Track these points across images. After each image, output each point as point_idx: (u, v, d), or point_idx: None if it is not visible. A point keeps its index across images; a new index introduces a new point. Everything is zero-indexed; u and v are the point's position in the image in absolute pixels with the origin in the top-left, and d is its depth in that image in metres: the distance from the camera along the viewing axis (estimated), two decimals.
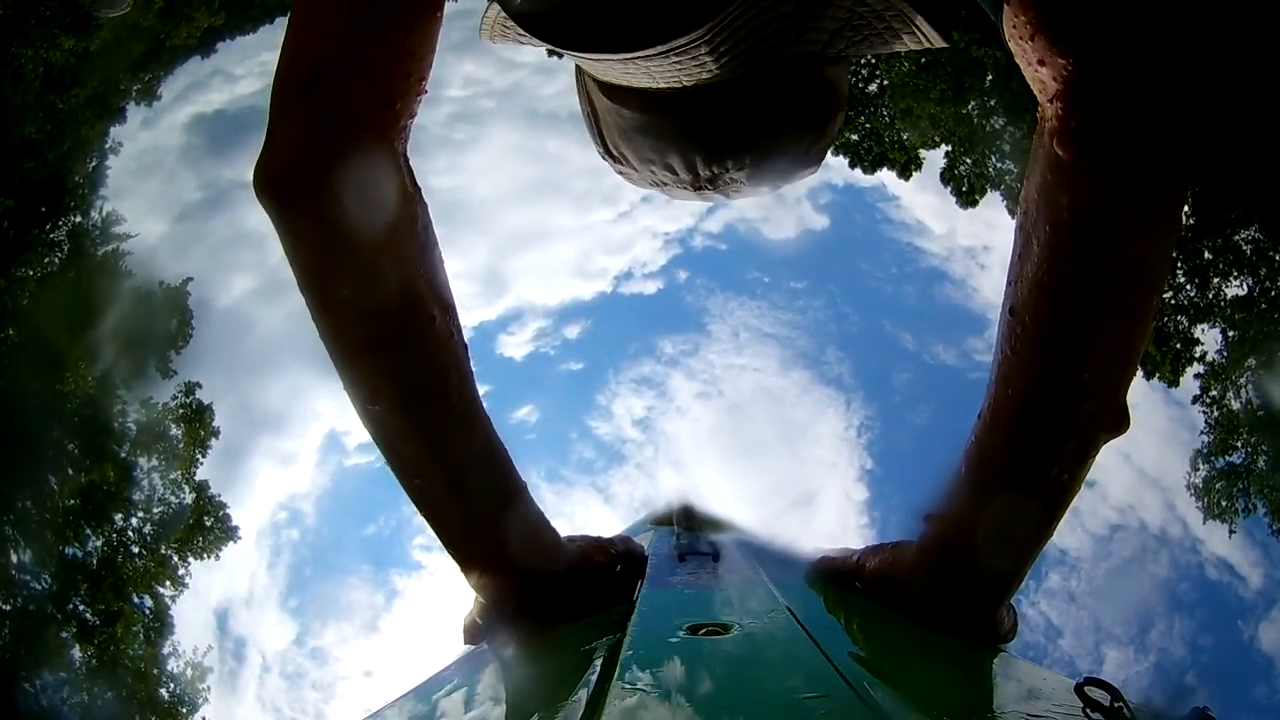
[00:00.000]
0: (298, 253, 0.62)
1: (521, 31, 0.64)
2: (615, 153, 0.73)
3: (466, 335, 0.71)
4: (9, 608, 8.80)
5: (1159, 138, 0.53)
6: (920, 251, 10.45)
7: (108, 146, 12.25)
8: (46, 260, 10.45)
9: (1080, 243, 0.55)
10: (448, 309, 0.67)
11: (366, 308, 0.63)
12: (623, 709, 0.45)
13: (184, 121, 11.18)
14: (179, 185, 10.56)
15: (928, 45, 0.64)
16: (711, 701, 0.46)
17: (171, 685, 7.19)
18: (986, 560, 0.61)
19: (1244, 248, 10.69)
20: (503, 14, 0.65)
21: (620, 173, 0.76)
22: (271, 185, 0.58)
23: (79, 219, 11.09)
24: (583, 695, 0.50)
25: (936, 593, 0.64)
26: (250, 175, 0.56)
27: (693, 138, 0.66)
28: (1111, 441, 0.58)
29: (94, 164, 11.87)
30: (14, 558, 9.14)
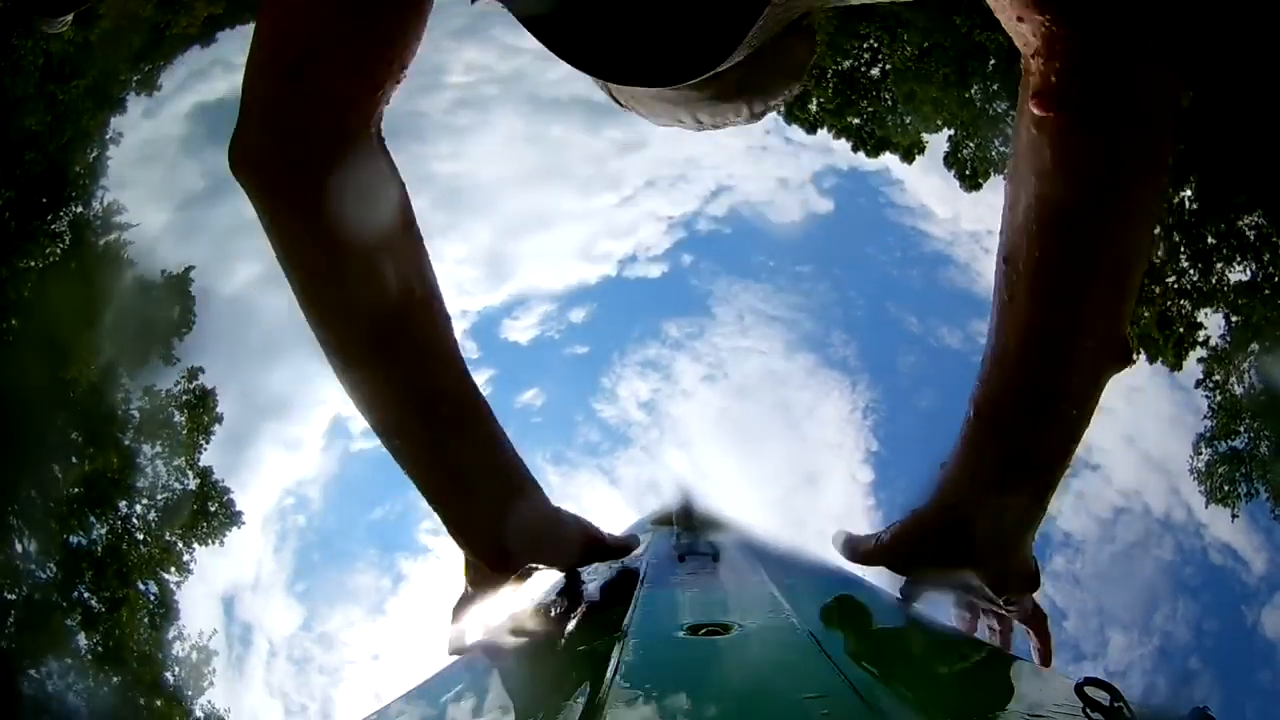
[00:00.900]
0: (288, 241, 0.61)
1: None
2: (625, 105, 0.72)
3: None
4: (14, 597, 8.84)
5: (1136, 91, 0.54)
6: (924, 235, 10.45)
7: (108, 137, 12.21)
8: (48, 251, 10.47)
9: (1065, 190, 0.55)
10: (437, 297, 0.66)
11: (366, 301, 0.61)
12: (623, 709, 0.45)
13: (185, 111, 11.17)
14: (181, 175, 10.56)
15: None
16: (711, 702, 0.46)
17: (176, 669, 7.23)
18: (1004, 500, 0.61)
19: (1247, 234, 10.66)
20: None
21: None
22: (257, 169, 0.57)
23: (80, 209, 11.10)
24: (583, 695, 0.50)
25: (959, 541, 0.64)
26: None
27: (699, 103, 0.66)
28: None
29: (95, 154, 11.85)
30: (19, 547, 9.18)
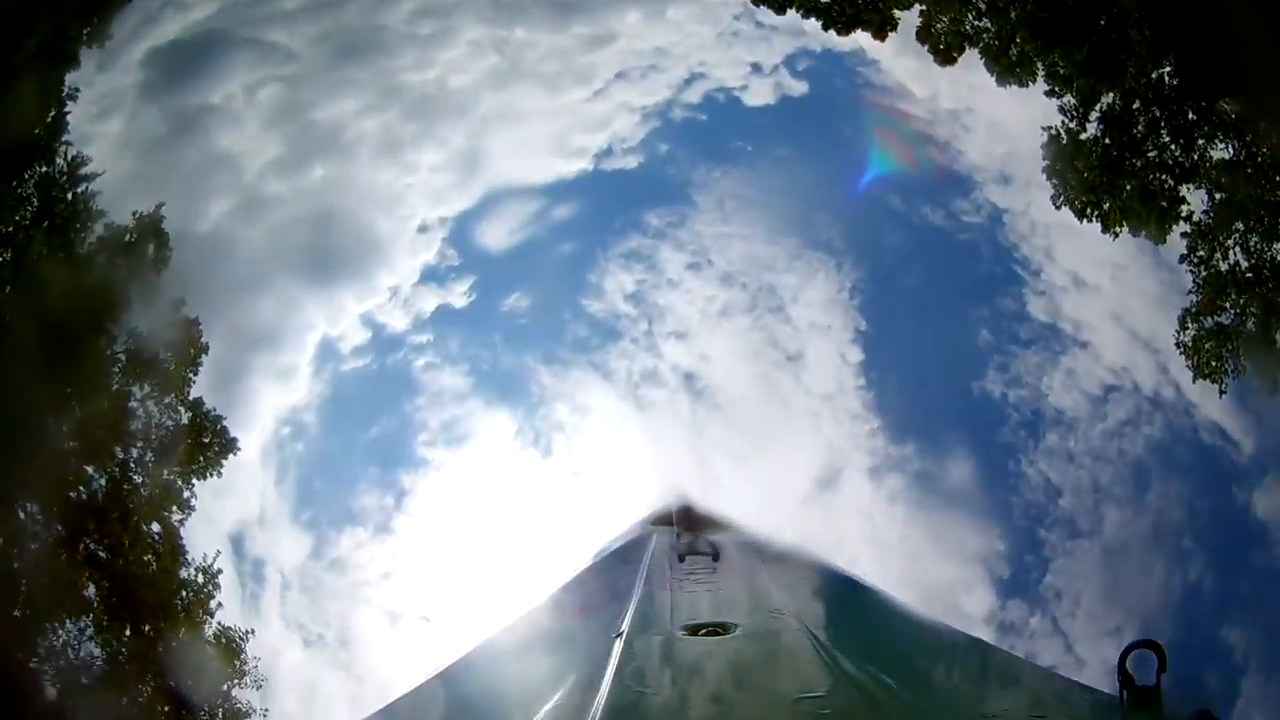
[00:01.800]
0: None
1: None
2: None
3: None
4: (18, 565, 8.87)
5: None
6: (903, 115, 10.34)
7: (65, 94, 11.89)
8: (18, 216, 10.28)
9: None
10: None
11: None
12: (623, 708, 0.42)
13: (139, 59, 10.85)
14: (142, 122, 10.31)
15: None
16: (711, 701, 0.43)
17: (184, 593, 7.31)
18: None
19: (1229, 115, 10.58)
20: None
21: None
22: None
23: (45, 169, 10.87)
24: (583, 694, 0.48)
25: None
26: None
27: None
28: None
29: (53, 114, 11.57)
30: (21, 514, 9.18)
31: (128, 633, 7.24)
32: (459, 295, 10.50)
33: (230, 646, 7.25)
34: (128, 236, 8.93)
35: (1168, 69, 10.64)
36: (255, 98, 10.25)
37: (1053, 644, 9.12)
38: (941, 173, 10.38)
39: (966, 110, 10.07)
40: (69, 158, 10.83)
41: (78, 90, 11.93)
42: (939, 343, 10.48)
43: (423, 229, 10.28)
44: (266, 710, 7.34)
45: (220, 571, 7.45)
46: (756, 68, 10.36)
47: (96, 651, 8.07)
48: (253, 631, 7.48)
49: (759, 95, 10.31)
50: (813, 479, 9.68)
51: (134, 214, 8.40)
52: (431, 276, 10.42)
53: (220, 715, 7.10)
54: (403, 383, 10.08)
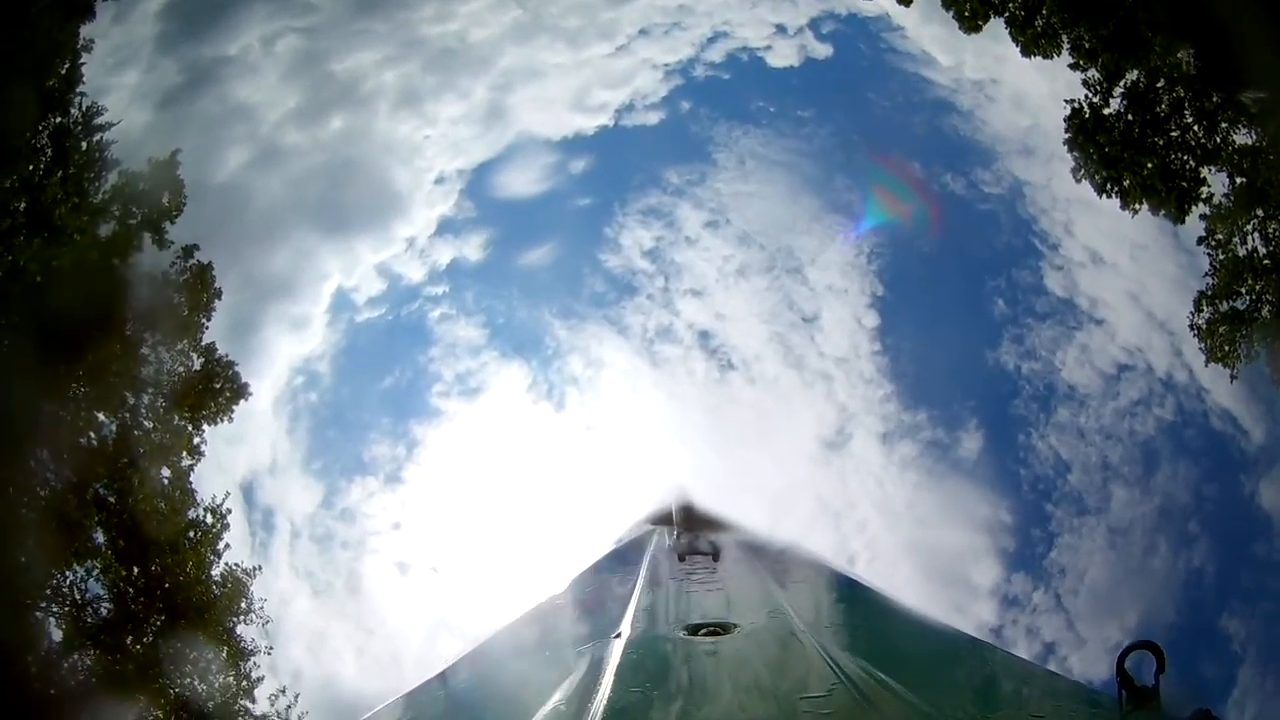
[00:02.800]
0: None
1: None
2: None
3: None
4: (26, 511, 8.93)
5: None
6: (927, 83, 10.27)
7: (80, 46, 11.86)
8: (32, 167, 10.30)
9: None
10: None
11: None
12: (622, 708, 0.41)
13: (155, 9, 10.81)
14: (159, 74, 10.28)
15: None
16: (711, 701, 0.42)
17: (192, 533, 7.34)
18: None
19: (1250, 106, 10.46)
20: None
21: None
22: None
23: (60, 119, 10.86)
24: (583, 695, 0.46)
25: None
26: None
27: None
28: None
29: (68, 66, 11.54)
30: (31, 461, 9.23)
31: (135, 571, 7.28)
32: (475, 248, 10.50)
33: (236, 585, 7.29)
34: (141, 184, 8.91)
35: (1192, 51, 10.52)
36: (273, 49, 10.21)
37: (1054, 620, 9.15)
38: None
39: (991, 81, 9.98)
40: (84, 108, 10.81)
41: (92, 42, 11.89)
42: (955, 311, 10.45)
43: (440, 180, 10.26)
44: (271, 648, 7.40)
45: (229, 511, 7.49)
46: (781, 29, 10.30)
47: (103, 592, 8.13)
48: (259, 568, 7.54)
49: (783, 56, 10.26)
50: (824, 441, 9.69)
51: (148, 160, 8.37)
52: (448, 228, 10.42)
53: (225, 652, 7.15)
54: (417, 334, 10.09)
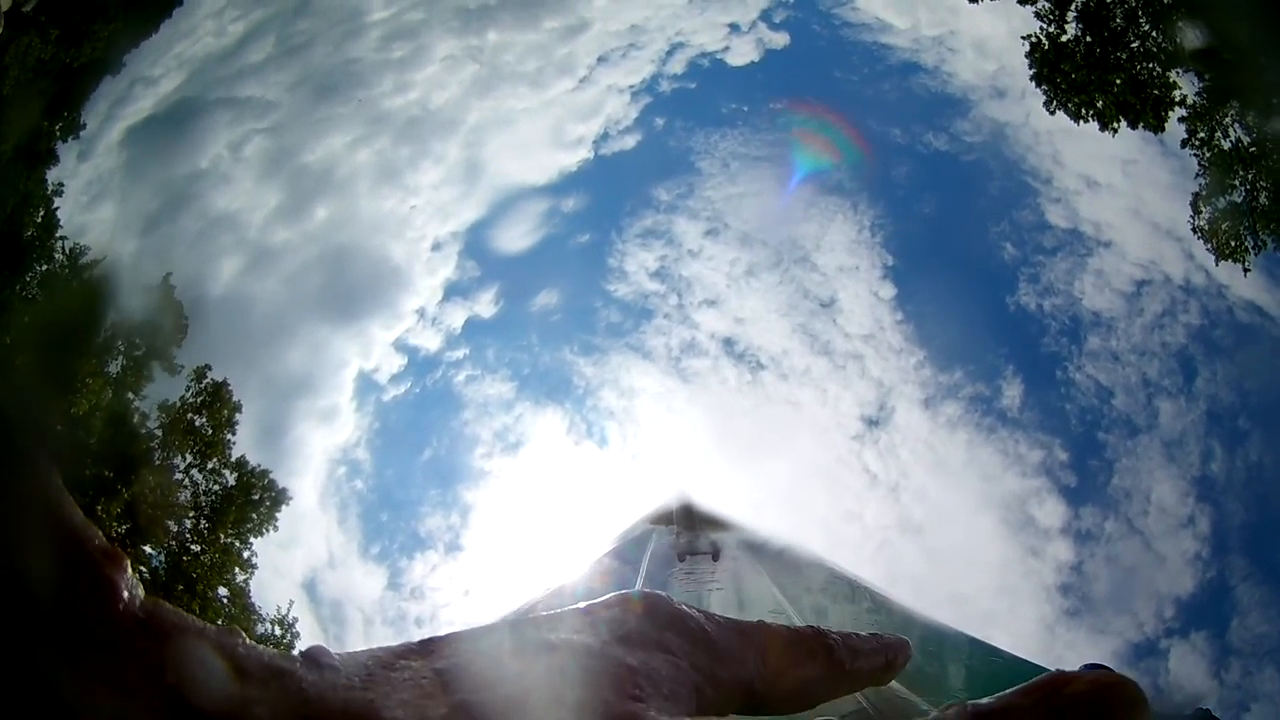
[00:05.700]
0: None
1: None
2: None
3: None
4: None
5: None
6: (888, 49, 10.26)
7: (50, 192, 11.98)
8: (28, 318, 10.38)
9: None
10: None
11: None
12: None
13: (117, 140, 10.91)
14: (135, 201, 10.36)
15: None
16: None
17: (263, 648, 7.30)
18: None
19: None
20: None
21: None
22: None
23: (45, 267, 10.96)
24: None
25: None
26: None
27: None
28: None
29: (42, 213, 11.65)
30: None
31: None
32: (485, 305, 10.47)
33: None
34: (139, 315, 8.96)
35: None
36: (242, 154, 10.28)
37: (1131, 545, 9.02)
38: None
39: (949, 33, 9.98)
40: (67, 250, 10.90)
41: (62, 185, 12.01)
42: (967, 265, 10.40)
43: (437, 247, 10.26)
44: None
45: (296, 619, 7.47)
46: (734, 27, 10.33)
47: None
48: None
49: (742, 54, 10.28)
50: (868, 420, 9.63)
51: (142, 289, 8.43)
52: (455, 291, 10.39)
53: None
54: (447, 401, 10.05)
